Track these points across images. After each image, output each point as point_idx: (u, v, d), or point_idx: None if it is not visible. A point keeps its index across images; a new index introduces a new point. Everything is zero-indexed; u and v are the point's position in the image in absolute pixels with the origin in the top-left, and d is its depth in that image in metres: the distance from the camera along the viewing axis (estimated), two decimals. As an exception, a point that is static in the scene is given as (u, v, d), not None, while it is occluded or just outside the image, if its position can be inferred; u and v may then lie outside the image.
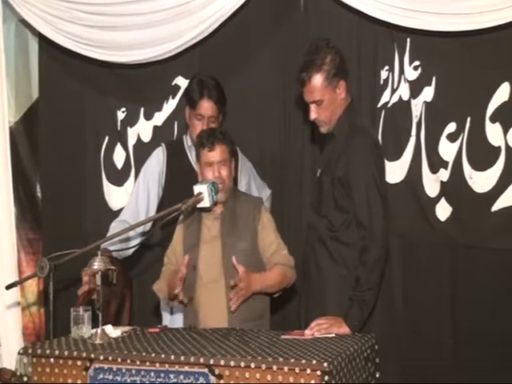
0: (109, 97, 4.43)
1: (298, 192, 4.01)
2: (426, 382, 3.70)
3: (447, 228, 3.69)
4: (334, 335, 2.99)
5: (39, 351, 2.86)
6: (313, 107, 3.30)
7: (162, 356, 2.69)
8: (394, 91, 3.81)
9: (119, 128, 4.41)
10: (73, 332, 3.01)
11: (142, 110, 4.36)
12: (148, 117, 4.36)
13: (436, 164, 3.71)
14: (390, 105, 3.82)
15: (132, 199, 3.85)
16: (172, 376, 2.67)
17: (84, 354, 2.79)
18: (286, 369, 2.54)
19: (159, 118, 4.33)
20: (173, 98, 4.29)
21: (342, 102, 3.33)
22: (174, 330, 3.25)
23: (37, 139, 4.68)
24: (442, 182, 3.69)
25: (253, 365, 2.57)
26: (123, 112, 4.40)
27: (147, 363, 2.70)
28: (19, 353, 2.91)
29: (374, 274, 3.13)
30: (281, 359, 2.57)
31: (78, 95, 4.51)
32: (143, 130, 4.37)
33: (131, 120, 4.39)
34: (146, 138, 4.36)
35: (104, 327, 3.01)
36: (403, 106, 3.79)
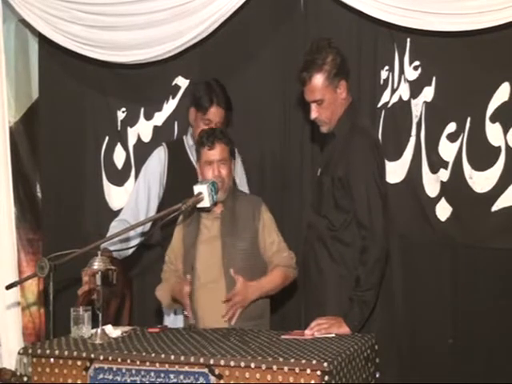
0: (109, 97, 4.43)
1: (297, 192, 4.01)
2: (425, 382, 3.70)
3: (447, 228, 3.69)
4: (333, 335, 2.99)
5: (39, 351, 2.86)
6: (313, 107, 3.30)
7: (162, 356, 2.69)
8: (394, 91, 3.82)
9: (119, 128, 4.41)
10: (73, 332, 3.01)
11: (142, 109, 4.36)
12: (148, 117, 4.35)
13: (436, 164, 3.71)
14: (390, 105, 3.82)
15: (132, 199, 3.84)
16: (172, 376, 2.67)
17: (84, 354, 2.79)
18: (286, 369, 2.54)
19: (159, 117, 4.33)
20: (173, 98, 4.29)
21: (343, 101, 3.33)
22: (174, 330, 3.25)
23: (37, 139, 4.69)
24: (442, 181, 3.69)
25: (253, 365, 2.57)
26: (123, 112, 4.40)
27: (147, 363, 2.70)
28: (19, 353, 2.91)
29: (374, 274, 3.13)
30: (281, 359, 2.57)
31: (78, 95, 4.51)
32: (143, 129, 4.37)
33: (131, 120, 4.39)
34: (146, 137, 4.36)
35: (104, 327, 3.01)
36: (403, 106, 3.79)
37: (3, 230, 4.44)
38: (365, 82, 3.86)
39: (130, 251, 3.70)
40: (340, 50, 3.30)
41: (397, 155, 3.79)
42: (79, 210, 4.51)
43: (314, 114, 3.32)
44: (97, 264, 3.00)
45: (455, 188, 3.67)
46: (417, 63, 3.75)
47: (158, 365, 2.69)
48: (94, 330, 3.00)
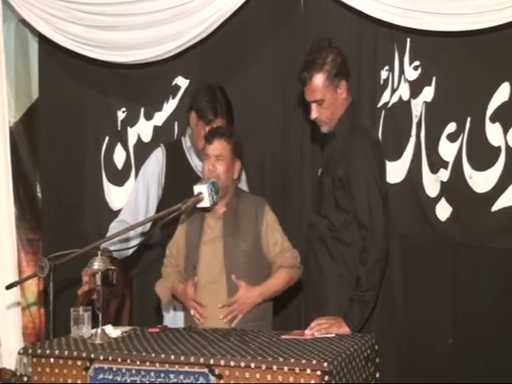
0: (109, 97, 4.43)
1: (298, 192, 4.01)
2: (426, 382, 3.70)
3: (447, 228, 3.69)
4: (334, 335, 2.99)
5: (39, 351, 2.86)
6: (314, 106, 3.30)
7: (162, 356, 2.69)
8: (394, 91, 3.82)
9: (119, 128, 4.41)
10: (73, 332, 3.01)
11: (142, 109, 4.36)
12: (148, 117, 4.35)
13: (436, 164, 3.71)
14: (390, 105, 3.82)
15: (131, 199, 3.85)
16: (172, 376, 2.67)
17: (84, 354, 2.79)
18: (286, 369, 2.54)
19: (159, 117, 4.33)
20: (173, 98, 4.29)
21: (343, 101, 3.33)
22: (174, 330, 3.25)
23: (37, 139, 4.69)
24: (442, 181, 3.69)
25: (253, 365, 2.57)
26: (123, 112, 4.40)
27: (147, 363, 2.70)
28: (19, 353, 2.91)
29: (375, 274, 3.13)
30: (281, 359, 2.57)
31: (78, 95, 4.51)
32: (143, 129, 4.37)
33: (131, 120, 4.39)
34: (147, 138, 4.36)
35: (104, 327, 3.01)
36: (403, 106, 3.79)
37: (3, 230, 4.44)
38: (365, 81, 3.86)
39: (130, 251, 3.70)
40: (340, 50, 3.30)
41: (397, 155, 3.79)
42: (79, 210, 4.51)
43: (314, 114, 3.32)
44: (97, 264, 3.00)
45: (455, 188, 3.67)
46: (417, 63, 3.75)
47: (158, 365, 2.69)
48: (94, 330, 3.00)
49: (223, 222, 3.37)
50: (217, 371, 2.62)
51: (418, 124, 3.74)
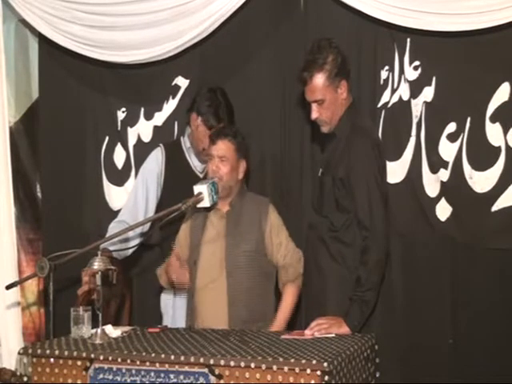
0: (109, 97, 4.43)
1: (298, 192, 4.01)
2: (425, 382, 3.69)
3: (447, 228, 3.69)
4: (334, 335, 2.99)
5: (39, 351, 2.87)
6: (314, 106, 3.31)
7: (162, 356, 2.69)
8: (394, 91, 3.81)
9: (119, 128, 4.41)
10: (73, 332, 3.02)
11: (142, 109, 4.35)
12: (148, 117, 4.35)
13: (436, 164, 3.70)
14: (390, 105, 3.82)
15: (131, 200, 3.85)
16: (172, 376, 2.67)
17: (84, 354, 2.79)
18: (286, 369, 2.54)
19: (159, 117, 4.33)
20: (173, 98, 4.29)
21: (344, 102, 3.33)
22: (174, 330, 3.25)
23: (37, 139, 4.68)
24: (442, 181, 3.69)
25: (253, 365, 2.58)
26: (123, 112, 4.40)
27: (147, 363, 2.71)
28: (19, 353, 2.92)
29: (375, 274, 3.14)
30: (281, 359, 2.57)
31: (78, 95, 4.51)
32: (143, 129, 4.36)
33: (131, 120, 4.38)
34: (147, 138, 4.36)
35: (104, 327, 3.02)
36: (403, 106, 3.78)
37: (3, 230, 4.44)
38: (365, 81, 3.86)
39: (130, 251, 3.70)
40: (341, 50, 3.31)
41: (397, 155, 3.78)
42: (79, 210, 4.51)
43: (314, 115, 3.32)
44: (97, 264, 3.01)
45: (455, 188, 3.67)
46: (417, 63, 3.74)
47: (158, 365, 2.69)
48: (94, 330, 3.00)
49: (226, 221, 3.37)
50: (217, 371, 2.62)
51: (418, 124, 3.74)
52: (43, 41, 4.49)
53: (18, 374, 2.91)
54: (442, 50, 3.67)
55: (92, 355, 2.78)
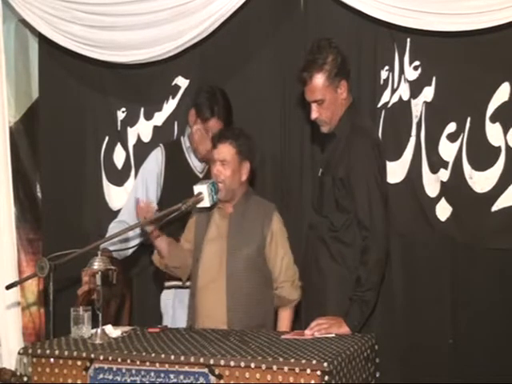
0: (109, 97, 4.43)
1: (298, 192, 4.01)
2: (425, 382, 3.69)
3: (447, 228, 3.69)
4: (334, 335, 2.99)
5: (39, 351, 2.87)
6: (314, 106, 3.31)
7: (162, 356, 2.69)
8: (394, 91, 3.81)
9: (119, 128, 4.41)
10: (73, 332, 3.02)
11: (142, 109, 4.35)
12: (148, 117, 4.35)
13: (436, 164, 3.70)
14: (390, 105, 3.82)
15: (130, 200, 3.84)
16: (172, 376, 2.67)
17: (84, 354, 2.79)
18: (286, 369, 2.54)
19: (159, 117, 4.33)
20: (173, 98, 4.29)
21: (344, 102, 3.33)
22: (174, 330, 3.25)
23: (37, 139, 4.68)
24: (442, 181, 3.69)
25: (253, 365, 2.58)
26: (123, 112, 4.40)
27: (147, 363, 2.71)
28: (19, 353, 2.92)
29: (375, 274, 3.14)
30: (281, 359, 2.57)
31: (78, 95, 4.51)
32: (143, 130, 4.36)
33: (131, 120, 4.38)
34: (146, 138, 4.36)
35: (104, 327, 3.02)
36: (403, 106, 3.78)
37: (3, 230, 4.44)
38: (365, 81, 3.86)
39: (130, 251, 3.71)
40: (341, 50, 3.31)
41: (397, 155, 3.78)
42: (79, 210, 4.51)
43: (314, 115, 3.32)
44: (97, 264, 3.01)
45: (455, 188, 3.67)
46: (417, 63, 3.74)
47: (158, 365, 2.69)
48: (94, 330, 3.00)
49: (229, 223, 3.37)
50: (217, 371, 2.62)
51: (418, 124, 3.74)
52: (43, 41, 4.49)
53: (18, 374, 2.91)
54: (442, 49, 3.67)
55: (92, 355, 2.78)
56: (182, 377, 2.66)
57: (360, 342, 2.90)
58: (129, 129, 4.39)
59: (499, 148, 3.59)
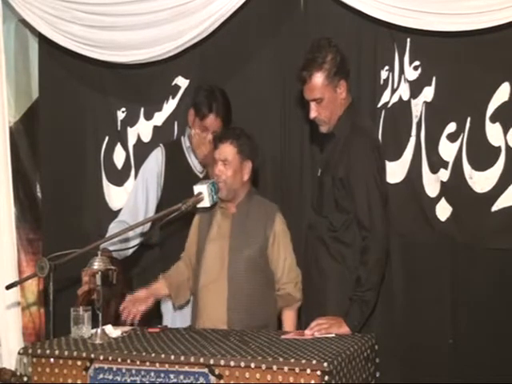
0: (109, 97, 4.43)
1: (297, 192, 4.01)
2: (425, 382, 3.69)
3: (447, 228, 3.69)
4: (334, 335, 2.99)
5: (39, 351, 2.87)
6: (313, 105, 3.31)
7: (162, 356, 2.69)
8: (394, 91, 3.81)
9: (119, 128, 4.41)
10: (73, 332, 3.02)
11: (142, 109, 4.35)
12: (148, 117, 4.35)
13: (436, 164, 3.70)
14: (390, 105, 3.82)
15: (131, 200, 3.84)
16: (172, 376, 2.68)
17: (84, 354, 2.79)
18: (286, 369, 2.54)
19: (159, 117, 4.33)
20: (173, 98, 4.29)
21: (343, 101, 3.33)
22: (174, 330, 3.25)
23: (37, 139, 4.68)
24: (442, 181, 3.69)
25: (253, 365, 2.58)
26: (123, 112, 4.40)
27: (147, 363, 2.71)
28: (19, 353, 2.92)
29: (375, 274, 3.14)
30: (281, 359, 2.57)
31: (78, 95, 4.51)
32: (143, 130, 4.36)
33: (131, 120, 4.38)
34: (146, 138, 4.36)
35: (104, 327, 3.02)
36: (403, 106, 3.78)
37: (3, 230, 4.44)
38: (365, 81, 3.86)
39: (130, 251, 3.70)
40: (340, 50, 3.32)
41: (397, 155, 3.78)
42: (79, 210, 4.51)
43: (313, 114, 3.32)
44: (97, 264, 3.01)
45: (455, 188, 3.67)
46: (417, 63, 3.74)
47: (158, 365, 2.69)
48: (94, 330, 3.00)
49: (231, 223, 3.36)
50: (217, 371, 2.62)
51: (418, 124, 3.74)
52: (43, 41, 4.49)
53: (18, 374, 2.91)
54: (442, 49, 3.67)
55: (92, 355, 2.78)
56: (181, 377, 2.66)
57: (360, 341, 2.90)
58: (129, 129, 4.39)
59: (499, 148, 3.59)
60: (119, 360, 2.74)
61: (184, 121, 4.00)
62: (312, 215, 3.43)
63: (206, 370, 2.63)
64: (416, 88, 3.74)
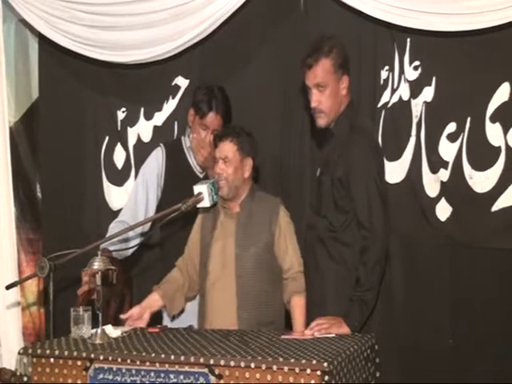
0: (109, 97, 4.43)
1: (297, 192, 4.01)
2: (426, 382, 3.70)
3: (447, 228, 3.69)
4: (334, 335, 2.99)
5: (39, 351, 2.87)
6: (315, 92, 3.28)
7: (162, 356, 2.69)
8: (394, 91, 3.81)
9: (119, 128, 4.41)
10: (73, 332, 3.02)
11: (142, 109, 4.36)
12: (148, 117, 4.35)
13: (436, 164, 3.70)
14: (390, 105, 3.82)
15: (131, 200, 3.84)
16: (172, 376, 2.67)
17: (84, 354, 2.79)
18: (286, 369, 2.54)
19: (159, 117, 4.33)
20: (173, 98, 4.29)
21: (343, 98, 3.33)
22: (174, 330, 3.25)
23: (37, 139, 4.69)
24: (442, 181, 3.69)
25: (253, 365, 2.58)
26: (123, 112, 4.40)
27: (147, 363, 2.71)
28: (19, 353, 2.91)
29: (375, 274, 3.13)
30: (281, 359, 2.57)
31: (78, 95, 4.51)
32: (143, 130, 4.37)
33: (131, 120, 4.39)
34: (146, 138, 4.36)
35: (104, 327, 3.02)
36: (403, 106, 3.78)
37: (3, 230, 4.44)
38: (365, 82, 3.86)
39: (130, 251, 3.70)
40: (345, 47, 3.32)
41: (397, 155, 3.78)
42: (79, 210, 4.51)
43: (314, 102, 3.29)
44: (97, 264, 3.01)
45: (455, 188, 3.67)
46: (417, 63, 3.74)
47: (158, 365, 2.69)
48: (94, 330, 3.00)
49: (236, 223, 3.36)
50: (217, 371, 2.62)
51: (418, 124, 3.74)
52: (43, 41, 4.49)
53: (18, 374, 2.91)
54: (442, 49, 3.67)
55: (92, 355, 2.78)
56: (181, 377, 2.66)
57: (360, 341, 2.90)
58: (129, 129, 4.40)
59: (499, 148, 3.59)
60: (119, 360, 2.74)
61: (184, 121, 4.00)
62: (311, 215, 3.43)
63: (205, 370, 2.63)
64: (416, 88, 3.74)
